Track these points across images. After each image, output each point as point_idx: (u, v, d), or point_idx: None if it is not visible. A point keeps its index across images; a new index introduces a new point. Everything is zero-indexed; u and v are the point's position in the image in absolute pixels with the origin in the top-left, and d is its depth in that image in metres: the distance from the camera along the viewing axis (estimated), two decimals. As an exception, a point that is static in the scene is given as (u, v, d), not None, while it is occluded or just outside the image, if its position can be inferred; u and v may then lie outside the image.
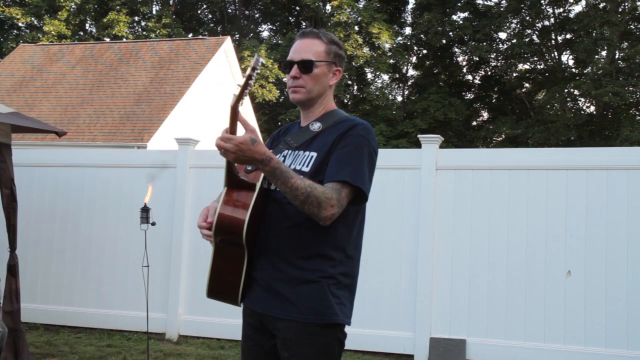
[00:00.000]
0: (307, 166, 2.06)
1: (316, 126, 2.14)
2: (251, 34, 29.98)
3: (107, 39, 25.47)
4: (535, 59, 26.81)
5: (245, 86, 1.92)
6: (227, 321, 6.01)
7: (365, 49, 25.22)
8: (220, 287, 2.15)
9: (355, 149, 2.03)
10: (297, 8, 28.71)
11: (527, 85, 27.32)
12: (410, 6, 29.34)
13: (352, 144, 2.04)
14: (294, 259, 2.00)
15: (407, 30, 29.11)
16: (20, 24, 27.22)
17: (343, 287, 2.07)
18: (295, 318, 2.01)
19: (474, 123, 28.41)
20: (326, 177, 2.00)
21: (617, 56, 24.12)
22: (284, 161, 2.13)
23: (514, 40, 25.86)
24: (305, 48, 2.16)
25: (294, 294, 2.02)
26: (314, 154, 2.07)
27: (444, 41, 26.59)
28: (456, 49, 28.25)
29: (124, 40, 24.62)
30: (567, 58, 26.74)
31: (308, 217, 1.97)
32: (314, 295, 2.01)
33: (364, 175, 2.01)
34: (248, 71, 1.92)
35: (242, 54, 23.28)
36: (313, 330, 2.00)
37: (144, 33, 27.23)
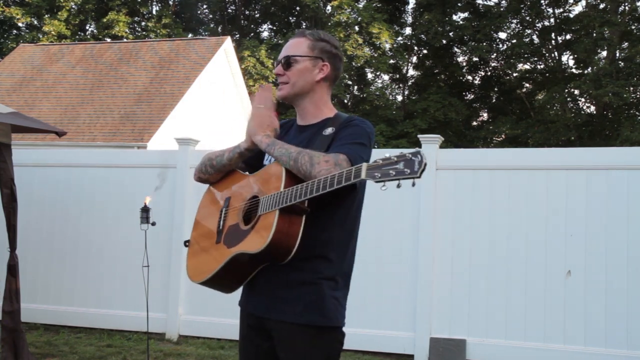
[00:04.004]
0: None
1: (329, 130, 2.13)
2: (251, 34, 29.98)
3: (108, 39, 25.47)
4: (535, 59, 26.83)
5: None
6: (227, 321, 6.00)
7: (366, 49, 25.23)
8: (217, 284, 2.18)
9: (353, 135, 2.06)
10: (297, 8, 28.72)
11: (527, 85, 27.34)
12: (410, 6, 29.40)
13: (351, 133, 2.07)
14: (291, 261, 1.98)
15: (407, 31, 29.16)
16: (20, 24, 27.23)
17: (340, 287, 2.07)
18: (293, 320, 2.00)
19: (474, 123, 28.42)
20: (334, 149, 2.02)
21: (617, 56, 24.12)
22: None
23: (514, 41, 25.87)
24: (290, 46, 2.22)
25: (292, 296, 2.02)
26: None
27: (444, 41, 26.61)
28: (456, 49, 28.27)
29: (124, 40, 24.63)
30: (567, 58, 26.77)
31: (306, 220, 1.96)
32: (312, 297, 2.00)
33: (359, 152, 2.00)
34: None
35: (242, 54, 23.30)
36: (311, 333, 1.99)
37: (144, 33, 27.24)
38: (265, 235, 1.91)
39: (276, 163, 2.07)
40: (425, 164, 1.65)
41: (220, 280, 2.14)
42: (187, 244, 2.32)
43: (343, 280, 2.09)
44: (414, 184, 1.70)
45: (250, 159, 2.28)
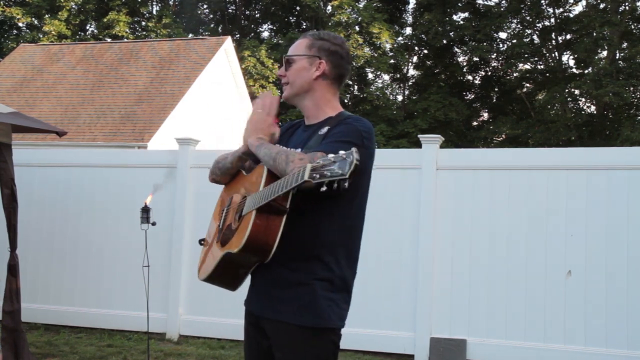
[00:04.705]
0: None
1: (324, 130, 2.12)
2: (251, 34, 29.98)
3: (108, 39, 25.47)
4: (536, 59, 26.82)
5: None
6: (227, 321, 6.00)
7: (366, 49, 25.23)
8: (218, 282, 2.21)
9: (340, 133, 2.04)
10: (298, 8, 28.71)
11: (527, 85, 27.33)
12: (410, 6, 29.40)
13: (339, 131, 2.06)
14: (287, 261, 1.99)
15: (408, 30, 29.17)
16: (20, 24, 27.24)
17: (338, 289, 2.05)
18: (286, 320, 2.01)
19: (475, 123, 28.43)
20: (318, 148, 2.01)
21: (617, 56, 24.12)
22: None
23: (514, 41, 25.87)
24: (291, 47, 2.26)
25: (287, 296, 2.02)
26: None
27: (444, 41, 26.60)
28: (456, 49, 28.27)
29: (125, 40, 24.62)
30: (567, 58, 26.77)
31: (302, 219, 1.96)
32: (305, 297, 2.00)
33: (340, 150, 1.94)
34: None
35: (243, 53, 23.29)
36: (304, 333, 1.99)
37: (144, 33, 27.23)
38: (243, 234, 1.94)
39: (261, 165, 2.10)
40: (356, 165, 1.65)
41: (220, 278, 2.17)
42: (202, 242, 2.38)
43: (342, 281, 2.06)
44: (347, 185, 1.67)
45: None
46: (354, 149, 1.68)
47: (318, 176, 1.67)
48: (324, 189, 1.67)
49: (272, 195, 1.86)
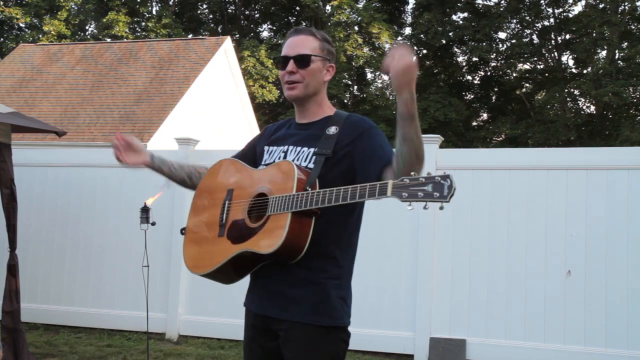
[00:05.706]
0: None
1: (332, 129, 2.10)
2: (251, 34, 29.98)
3: (108, 39, 25.46)
4: (535, 59, 26.84)
5: None
6: (227, 321, 6.00)
7: (365, 49, 25.23)
8: (218, 277, 2.18)
9: (379, 147, 2.03)
10: (297, 8, 28.72)
11: (527, 85, 27.35)
12: (410, 6, 29.42)
13: (376, 144, 2.04)
14: (302, 261, 1.97)
15: (407, 30, 29.17)
16: (20, 24, 27.23)
17: (344, 287, 2.07)
18: (299, 319, 2.01)
19: (474, 123, 28.43)
20: (379, 162, 1.97)
21: (617, 56, 24.13)
22: (285, 156, 2.14)
23: (514, 41, 25.89)
24: (300, 43, 2.16)
25: (299, 295, 2.02)
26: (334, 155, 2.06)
27: (443, 41, 26.60)
28: (456, 49, 28.27)
29: (124, 40, 24.61)
30: (567, 58, 26.78)
31: (320, 219, 1.96)
32: (318, 296, 2.01)
33: None
34: None
35: (242, 54, 23.29)
36: (317, 332, 2.00)
37: (144, 33, 27.22)
38: (278, 236, 1.91)
39: (287, 162, 2.03)
40: (455, 189, 1.65)
41: (222, 275, 2.14)
42: (183, 231, 2.29)
43: (347, 279, 2.09)
44: (442, 208, 1.69)
45: (246, 155, 2.30)
46: (450, 173, 1.68)
47: (406, 195, 1.68)
48: (410, 207, 1.69)
49: (328, 203, 1.85)
